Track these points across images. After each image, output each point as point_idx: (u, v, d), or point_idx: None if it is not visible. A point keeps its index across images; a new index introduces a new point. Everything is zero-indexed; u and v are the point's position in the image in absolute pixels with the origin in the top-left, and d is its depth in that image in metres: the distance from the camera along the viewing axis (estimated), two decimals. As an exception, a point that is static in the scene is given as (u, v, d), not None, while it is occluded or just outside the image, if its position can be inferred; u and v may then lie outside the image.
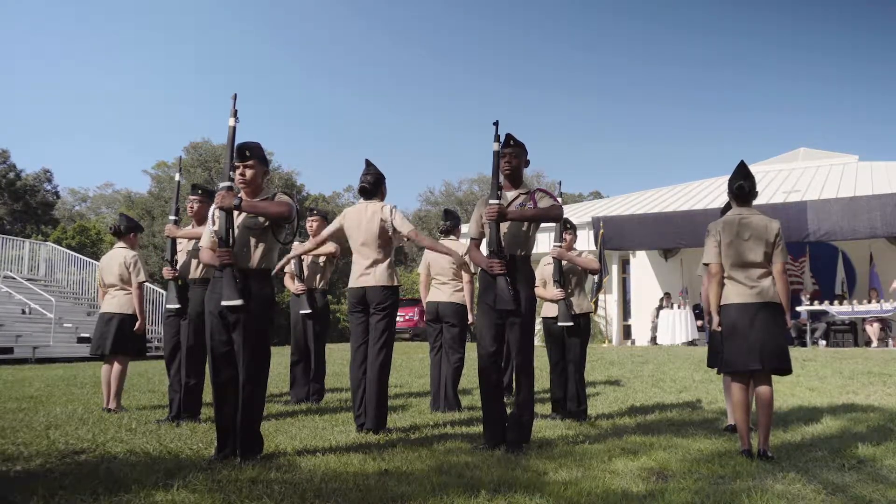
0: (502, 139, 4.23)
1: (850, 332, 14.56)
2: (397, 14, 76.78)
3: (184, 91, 77.42)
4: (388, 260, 4.81)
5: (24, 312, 15.71)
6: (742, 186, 4.07)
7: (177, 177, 5.87)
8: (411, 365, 10.50)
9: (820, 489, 3.09)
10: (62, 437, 4.40)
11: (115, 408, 5.82)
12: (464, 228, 6.70)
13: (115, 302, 5.98)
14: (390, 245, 4.84)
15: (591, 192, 51.16)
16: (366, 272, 4.76)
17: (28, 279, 17.39)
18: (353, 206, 5.17)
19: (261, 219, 3.83)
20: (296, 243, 6.44)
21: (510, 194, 4.30)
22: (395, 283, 4.79)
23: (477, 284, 6.53)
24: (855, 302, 14.16)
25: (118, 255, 6.03)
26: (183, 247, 5.50)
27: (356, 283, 4.79)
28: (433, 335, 6.11)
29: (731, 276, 3.98)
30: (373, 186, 4.92)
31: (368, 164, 5.02)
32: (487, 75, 79.69)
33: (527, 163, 4.37)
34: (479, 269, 4.33)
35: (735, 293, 3.95)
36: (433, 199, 48.65)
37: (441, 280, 6.06)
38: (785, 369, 3.91)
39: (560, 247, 5.44)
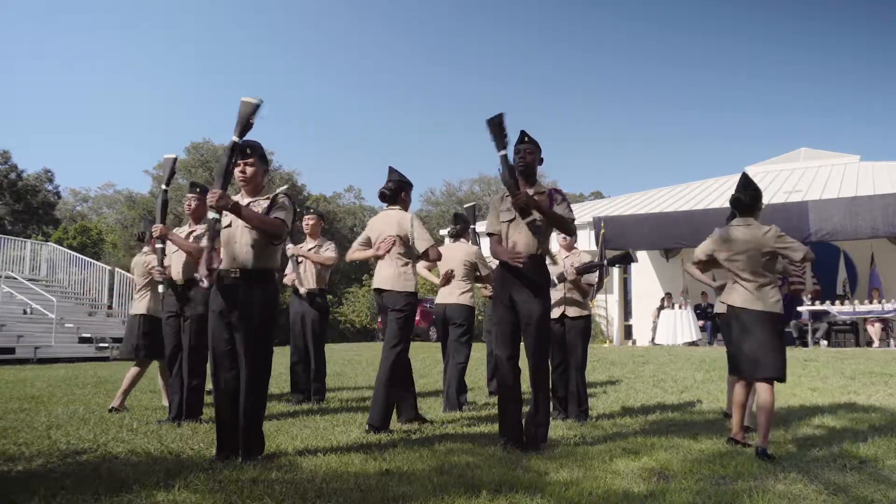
0: (516, 137, 4.27)
1: (852, 333, 14.54)
2: (398, 14, 76.86)
3: (185, 91, 77.53)
4: (408, 265, 4.87)
5: (25, 313, 15.72)
6: (739, 199, 4.19)
7: (163, 187, 5.14)
8: (412, 365, 10.48)
9: (821, 489, 3.09)
10: (63, 438, 4.40)
11: (118, 406, 5.84)
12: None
13: (137, 304, 6.11)
14: (410, 251, 4.90)
15: (591, 191, 51.18)
16: (384, 277, 4.83)
17: (29, 279, 17.38)
18: (378, 213, 5.20)
19: None
20: (290, 246, 6.48)
21: None
22: (412, 290, 4.84)
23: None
24: (856, 302, 14.15)
25: (143, 259, 6.15)
26: (177, 237, 5.47)
27: (376, 286, 4.90)
28: (445, 338, 6.13)
29: (738, 280, 4.09)
30: (392, 192, 4.99)
31: (391, 171, 5.09)
32: (488, 76, 79.78)
33: (541, 160, 4.37)
34: (494, 270, 4.36)
35: (740, 298, 4.06)
36: (434, 200, 48.67)
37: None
38: (779, 378, 3.97)
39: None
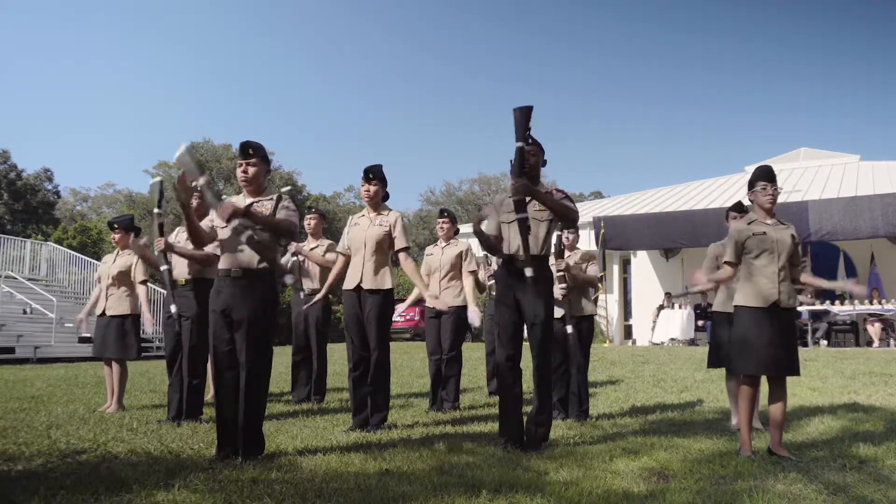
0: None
1: (852, 332, 14.56)
2: (398, 14, 76.83)
3: (184, 91, 77.45)
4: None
5: (25, 312, 15.71)
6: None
7: (155, 210, 5.25)
8: (412, 365, 10.50)
9: (821, 489, 3.09)
10: (63, 437, 4.40)
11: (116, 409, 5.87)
12: (464, 228, 6.70)
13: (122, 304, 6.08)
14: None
15: (591, 191, 51.19)
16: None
17: (29, 279, 17.38)
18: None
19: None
20: (293, 244, 6.46)
21: None
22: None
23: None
24: (856, 302, 14.16)
25: (125, 260, 6.17)
26: (181, 248, 5.47)
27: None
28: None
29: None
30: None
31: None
32: (488, 76, 79.73)
33: (544, 162, 4.37)
34: (497, 270, 4.35)
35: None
36: (434, 199, 48.70)
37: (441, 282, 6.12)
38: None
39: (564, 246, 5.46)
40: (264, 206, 3.88)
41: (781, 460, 3.72)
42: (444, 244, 6.21)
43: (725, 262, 4.12)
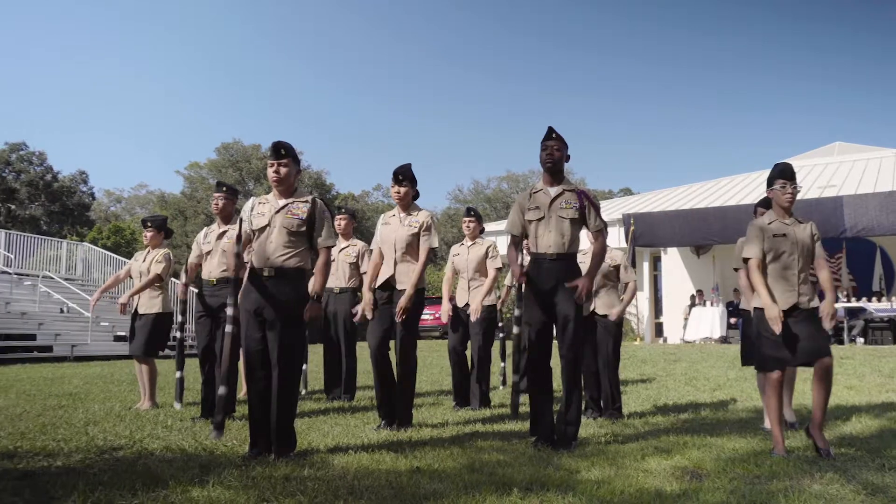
0: (544, 133, 4.26)
1: (890, 330, 14.24)
2: (427, 21, 77.03)
3: (215, 94, 78.50)
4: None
5: (62, 311, 16.04)
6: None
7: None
8: (441, 363, 10.50)
9: (859, 489, 3.03)
10: (101, 434, 4.48)
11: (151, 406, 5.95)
12: (490, 227, 6.67)
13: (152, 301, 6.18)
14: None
15: (621, 188, 50.78)
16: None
17: (66, 279, 17.73)
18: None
19: (297, 221, 3.87)
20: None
21: (553, 190, 4.28)
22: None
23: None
24: (894, 299, 13.86)
25: (158, 254, 6.32)
26: (211, 247, 5.54)
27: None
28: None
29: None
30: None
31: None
32: (518, 77, 79.69)
33: (567, 157, 4.34)
34: (528, 268, 4.30)
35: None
36: (462, 198, 48.71)
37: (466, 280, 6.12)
38: None
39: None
40: (298, 207, 3.92)
41: (818, 460, 3.65)
42: (469, 243, 6.19)
43: (746, 258, 4.01)
